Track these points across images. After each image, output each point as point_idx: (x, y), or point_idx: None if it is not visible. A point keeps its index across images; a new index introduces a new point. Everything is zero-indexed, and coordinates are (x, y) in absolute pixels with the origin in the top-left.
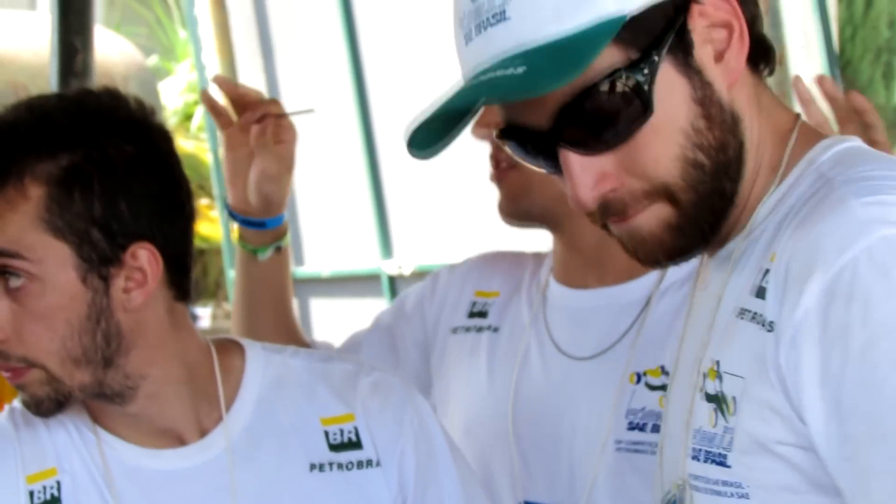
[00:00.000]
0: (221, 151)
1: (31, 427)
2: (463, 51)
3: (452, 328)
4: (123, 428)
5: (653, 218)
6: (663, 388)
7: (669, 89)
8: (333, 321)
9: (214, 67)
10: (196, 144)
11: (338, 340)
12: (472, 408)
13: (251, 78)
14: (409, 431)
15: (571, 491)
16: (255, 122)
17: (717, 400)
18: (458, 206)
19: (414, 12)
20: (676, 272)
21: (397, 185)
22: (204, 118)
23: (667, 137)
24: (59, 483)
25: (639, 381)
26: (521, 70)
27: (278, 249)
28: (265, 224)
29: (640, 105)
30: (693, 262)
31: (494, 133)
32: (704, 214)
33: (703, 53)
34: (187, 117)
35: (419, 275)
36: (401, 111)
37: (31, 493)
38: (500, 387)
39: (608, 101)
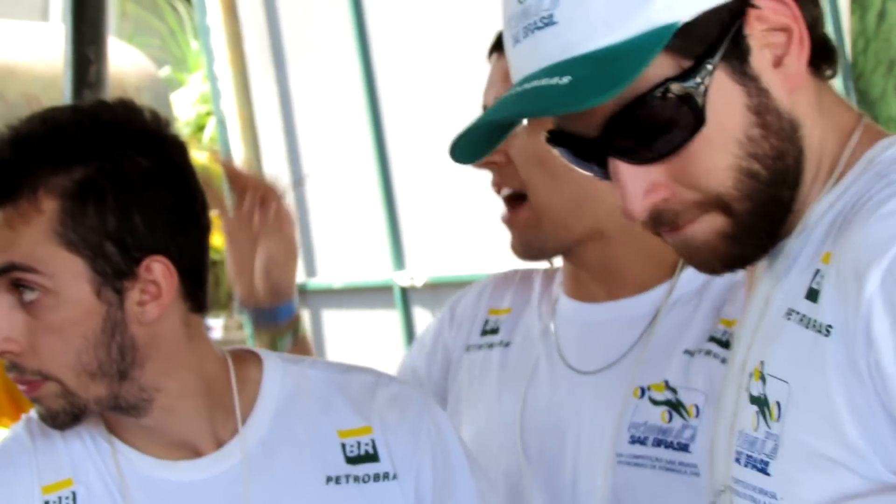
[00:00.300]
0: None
1: (48, 437)
2: (511, 52)
3: (467, 346)
4: (139, 439)
5: (707, 228)
6: (667, 403)
7: (723, 98)
8: (345, 332)
9: (227, 78)
10: (208, 156)
11: (350, 351)
12: (481, 420)
13: (263, 89)
14: (426, 444)
15: (574, 503)
16: (258, 206)
17: (759, 402)
18: (470, 218)
19: (427, 23)
20: (686, 286)
21: (409, 197)
22: (216, 129)
23: (720, 148)
24: (74, 493)
25: (643, 395)
26: (565, 80)
27: (295, 335)
28: (276, 314)
29: (692, 116)
30: (703, 277)
31: (544, 136)
32: (760, 223)
33: (760, 59)
34: (199, 128)
35: (431, 286)
36: (413, 122)
37: (47, 503)
38: (509, 400)
39: (658, 112)
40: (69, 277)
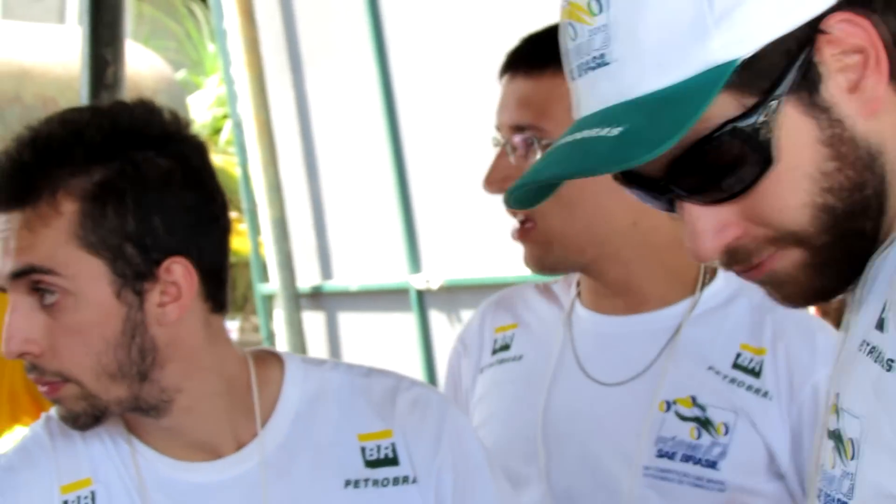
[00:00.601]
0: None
1: (67, 437)
2: (571, 85)
3: (480, 369)
4: (159, 440)
5: (787, 262)
6: (695, 420)
7: (792, 134)
8: (361, 335)
9: (243, 81)
10: (224, 158)
11: (366, 354)
12: (497, 432)
13: (280, 92)
14: (447, 448)
15: None
16: None
17: (835, 438)
18: (486, 221)
19: (444, 26)
20: (709, 301)
21: (425, 200)
22: (232, 132)
23: (791, 185)
24: (93, 493)
25: (668, 409)
26: (616, 132)
27: None
28: None
29: (758, 155)
30: (730, 288)
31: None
32: (841, 255)
33: (833, 87)
34: (216, 131)
35: (447, 289)
36: (430, 125)
37: (66, 503)
38: (528, 411)
39: (722, 154)
40: (89, 279)
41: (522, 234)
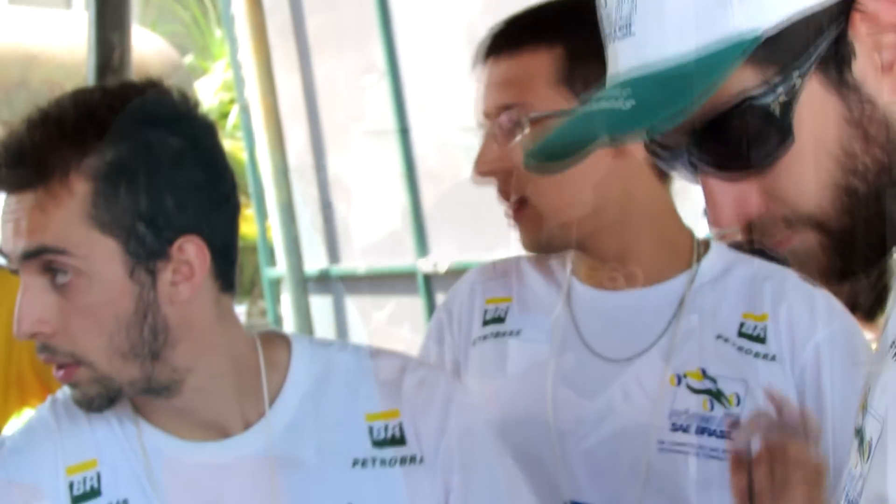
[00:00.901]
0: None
1: (73, 418)
2: (606, 49)
3: (472, 340)
4: (166, 420)
5: (805, 243)
6: (707, 392)
7: (817, 111)
8: (369, 319)
9: (250, 66)
10: (232, 143)
11: (373, 337)
12: (504, 413)
13: (287, 77)
14: (454, 428)
15: (617, 490)
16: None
17: (858, 436)
18: (493, 204)
19: (451, 11)
20: (707, 273)
21: (433, 183)
22: (239, 117)
23: (813, 164)
24: (99, 475)
25: (679, 382)
26: (629, 105)
27: None
28: None
29: (778, 133)
30: (724, 260)
31: (645, 139)
32: (864, 238)
33: (865, 65)
34: (223, 116)
35: (455, 272)
36: (437, 110)
37: (71, 485)
38: (535, 390)
39: (741, 128)
40: (102, 259)
41: (517, 214)
